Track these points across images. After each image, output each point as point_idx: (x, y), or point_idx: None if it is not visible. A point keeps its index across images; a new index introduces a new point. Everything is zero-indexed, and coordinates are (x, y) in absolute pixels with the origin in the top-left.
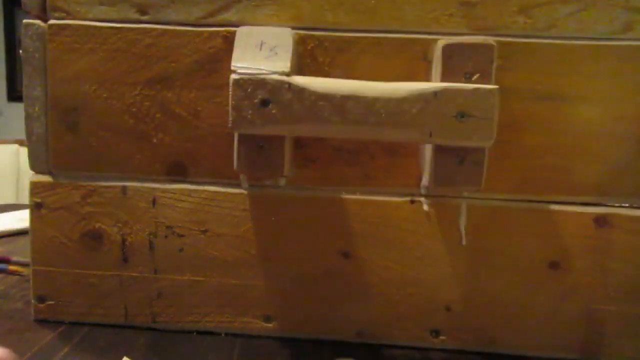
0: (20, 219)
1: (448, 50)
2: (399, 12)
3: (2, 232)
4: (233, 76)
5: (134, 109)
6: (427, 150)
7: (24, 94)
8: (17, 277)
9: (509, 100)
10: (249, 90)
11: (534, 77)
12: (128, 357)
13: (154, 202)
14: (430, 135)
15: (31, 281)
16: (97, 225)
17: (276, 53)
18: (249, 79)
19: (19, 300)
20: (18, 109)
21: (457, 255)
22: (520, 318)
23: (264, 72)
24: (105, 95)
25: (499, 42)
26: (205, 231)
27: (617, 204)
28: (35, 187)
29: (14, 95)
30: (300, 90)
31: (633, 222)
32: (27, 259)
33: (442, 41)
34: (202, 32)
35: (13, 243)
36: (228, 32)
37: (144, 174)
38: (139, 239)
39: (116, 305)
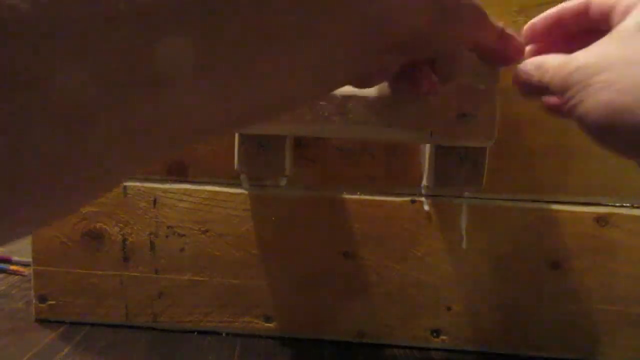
0: None
1: None
2: None
3: None
4: None
5: None
6: (428, 150)
7: None
8: (18, 277)
9: (509, 100)
10: None
11: None
12: (129, 356)
13: (154, 202)
14: (431, 135)
15: (32, 281)
16: (98, 225)
17: None
18: None
19: (20, 300)
20: None
21: (457, 255)
22: (521, 318)
23: None
24: None
25: None
26: (206, 231)
27: (617, 204)
28: None
29: None
30: None
31: (634, 222)
32: (28, 259)
33: None
34: None
35: (14, 243)
36: None
37: (144, 174)
38: (139, 239)
39: (117, 305)
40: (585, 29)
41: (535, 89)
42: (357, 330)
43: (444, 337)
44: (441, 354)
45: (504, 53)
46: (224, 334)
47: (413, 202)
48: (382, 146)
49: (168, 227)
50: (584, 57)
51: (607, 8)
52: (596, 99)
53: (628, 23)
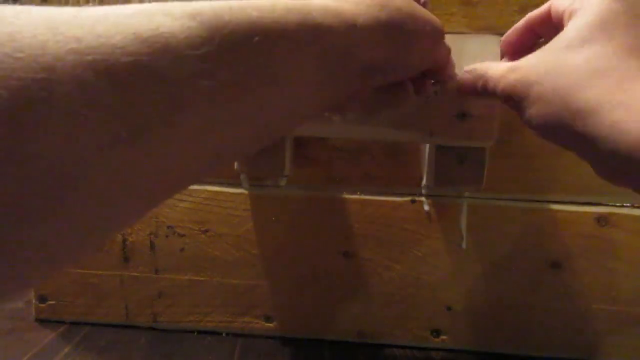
0: None
1: None
2: None
3: None
4: None
5: None
6: (428, 150)
7: None
8: None
9: None
10: None
11: None
12: (129, 356)
13: None
14: (431, 135)
15: None
16: None
17: None
18: None
19: (20, 300)
20: None
21: (457, 255)
22: (521, 318)
23: None
24: None
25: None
26: (206, 231)
27: (618, 204)
28: None
29: None
30: None
31: (634, 222)
32: None
33: None
34: None
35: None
36: None
37: None
38: (139, 239)
39: (117, 305)
40: (554, 34)
41: (479, 93)
42: (357, 330)
43: (444, 337)
44: (441, 354)
45: (450, 74)
46: (224, 334)
47: (413, 202)
48: (382, 146)
49: (168, 227)
50: (522, 67)
51: (561, 12)
52: (533, 110)
53: (564, 35)
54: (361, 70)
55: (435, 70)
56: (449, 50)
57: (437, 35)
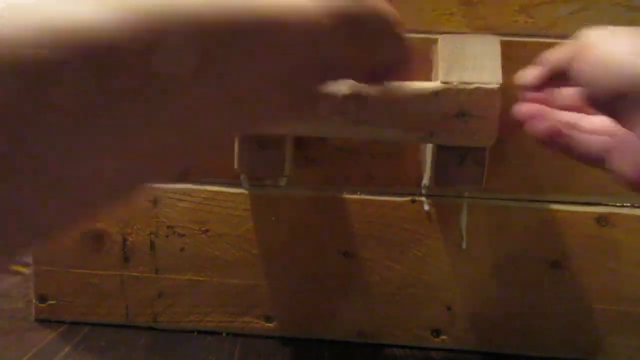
0: None
1: None
2: (399, 11)
3: None
4: None
5: None
6: (428, 150)
7: None
8: (18, 276)
9: (509, 100)
10: None
11: None
12: (129, 356)
13: (155, 201)
14: (431, 135)
15: (32, 281)
16: (98, 225)
17: None
18: None
19: (20, 300)
20: None
21: (457, 254)
22: (521, 317)
23: None
24: None
25: (499, 42)
26: (206, 231)
27: (618, 204)
28: None
29: None
30: None
31: (634, 222)
32: (28, 259)
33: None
34: None
35: None
36: None
37: None
38: (140, 239)
39: (117, 305)
40: None
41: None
42: (357, 330)
43: (444, 337)
44: (441, 354)
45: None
46: (224, 334)
47: (413, 202)
48: (382, 146)
49: (168, 227)
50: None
51: None
52: (608, 46)
53: None
54: (321, 70)
55: (395, 65)
56: (409, 45)
57: (394, 28)
